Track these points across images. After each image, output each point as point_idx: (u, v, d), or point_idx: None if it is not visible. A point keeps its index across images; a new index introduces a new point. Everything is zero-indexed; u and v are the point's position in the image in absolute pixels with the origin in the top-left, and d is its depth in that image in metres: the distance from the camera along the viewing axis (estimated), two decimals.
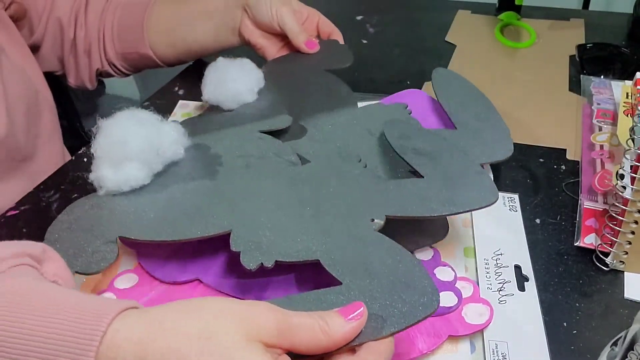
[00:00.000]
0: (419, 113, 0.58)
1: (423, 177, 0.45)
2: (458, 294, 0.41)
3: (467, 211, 0.41)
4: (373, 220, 0.41)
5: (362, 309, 0.32)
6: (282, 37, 0.67)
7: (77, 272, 0.40)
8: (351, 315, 0.32)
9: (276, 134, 0.54)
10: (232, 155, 0.50)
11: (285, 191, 0.45)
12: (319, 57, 0.67)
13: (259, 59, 0.66)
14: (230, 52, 0.64)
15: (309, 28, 0.68)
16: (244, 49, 0.66)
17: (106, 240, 0.42)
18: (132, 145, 0.45)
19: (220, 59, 0.61)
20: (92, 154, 0.47)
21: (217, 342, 0.28)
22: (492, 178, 0.48)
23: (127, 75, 0.75)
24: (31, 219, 0.52)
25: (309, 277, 0.43)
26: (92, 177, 0.47)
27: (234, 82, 0.59)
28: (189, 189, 0.46)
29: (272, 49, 0.68)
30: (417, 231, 0.46)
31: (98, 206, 0.45)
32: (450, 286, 0.41)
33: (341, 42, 0.67)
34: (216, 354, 0.28)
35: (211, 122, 0.57)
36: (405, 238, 0.41)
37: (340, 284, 0.36)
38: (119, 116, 0.47)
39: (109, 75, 0.75)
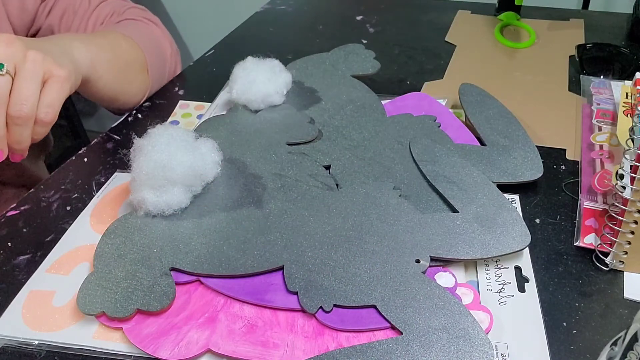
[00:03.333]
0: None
1: (457, 210, 0.46)
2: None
3: (503, 255, 0.43)
4: (419, 261, 0.42)
5: None
6: None
7: (138, 309, 0.40)
8: None
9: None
10: (266, 174, 0.51)
11: (328, 223, 0.46)
12: (346, 63, 0.68)
13: (286, 59, 0.66)
14: (256, 51, 0.63)
15: None
16: (270, 49, 0.66)
17: (161, 273, 0.42)
18: (176, 171, 0.46)
19: (249, 58, 0.61)
20: (132, 176, 0.47)
21: None
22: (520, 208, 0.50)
23: None
24: (31, 219, 0.52)
25: None
26: (132, 198, 0.47)
27: (264, 84, 0.59)
28: (233, 217, 0.47)
29: None
30: None
31: (141, 230, 0.46)
32: (450, 292, 0.41)
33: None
34: None
35: (238, 125, 0.58)
36: None
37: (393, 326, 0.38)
38: (155, 137, 0.48)
39: None
